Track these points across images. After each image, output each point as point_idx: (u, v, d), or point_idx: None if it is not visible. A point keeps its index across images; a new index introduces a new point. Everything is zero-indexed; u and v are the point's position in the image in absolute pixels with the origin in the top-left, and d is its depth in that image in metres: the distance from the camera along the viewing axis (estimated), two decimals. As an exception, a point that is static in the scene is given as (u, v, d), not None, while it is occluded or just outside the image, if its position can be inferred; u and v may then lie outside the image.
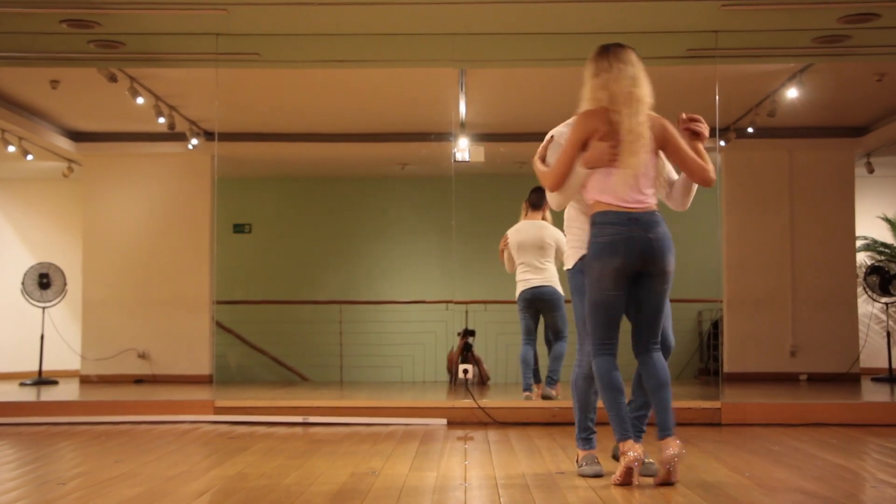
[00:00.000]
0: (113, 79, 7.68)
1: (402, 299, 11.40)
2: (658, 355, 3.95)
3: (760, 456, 4.82)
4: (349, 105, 9.27)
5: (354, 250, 12.05)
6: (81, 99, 8.97)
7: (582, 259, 4.08)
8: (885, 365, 9.95)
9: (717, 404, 6.38)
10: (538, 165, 4.09)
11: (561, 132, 4.13)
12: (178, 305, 10.29)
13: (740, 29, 6.48)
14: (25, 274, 10.17)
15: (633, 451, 3.79)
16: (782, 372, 10.08)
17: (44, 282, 10.16)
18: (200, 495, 3.74)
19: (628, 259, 3.83)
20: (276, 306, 11.39)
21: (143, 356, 10.30)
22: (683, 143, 3.94)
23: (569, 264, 4.21)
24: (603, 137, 3.85)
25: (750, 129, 9.58)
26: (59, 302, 10.28)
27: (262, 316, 11.39)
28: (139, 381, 10.11)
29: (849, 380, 9.80)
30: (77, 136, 10.30)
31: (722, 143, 9.72)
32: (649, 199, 3.90)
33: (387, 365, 11.01)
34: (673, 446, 3.76)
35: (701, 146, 3.98)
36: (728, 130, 9.77)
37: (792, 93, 8.37)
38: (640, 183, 3.87)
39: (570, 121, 4.18)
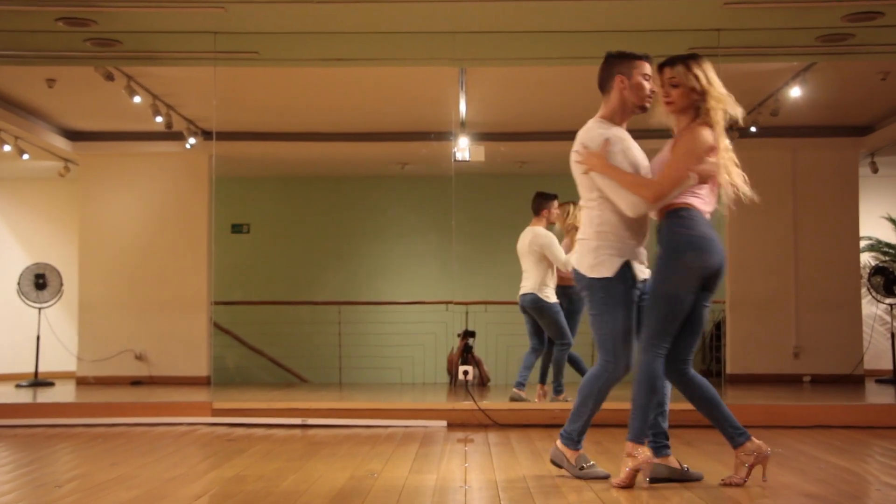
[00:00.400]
0: (110, 77, 7.68)
1: (401, 300, 11.40)
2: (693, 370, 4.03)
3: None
4: (348, 104, 9.28)
5: (354, 251, 12.05)
6: (78, 98, 8.98)
7: (623, 267, 3.98)
8: (890, 366, 9.95)
9: (719, 406, 6.37)
10: (621, 176, 3.95)
11: (608, 135, 4.02)
12: (175, 306, 10.29)
13: (743, 27, 6.48)
14: (21, 274, 10.17)
15: (643, 453, 3.79)
16: (785, 373, 10.08)
17: (40, 282, 10.16)
18: (198, 498, 3.74)
19: (715, 261, 3.92)
20: (275, 307, 11.39)
21: (140, 357, 10.30)
22: None
23: (604, 272, 3.98)
24: (712, 155, 4.00)
25: (753, 129, 9.56)
26: (55, 303, 10.28)
27: (261, 317, 11.38)
28: (136, 382, 10.11)
29: (853, 381, 9.81)
30: (73, 136, 10.31)
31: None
32: None
33: (386, 366, 11.00)
34: (761, 442, 3.96)
35: None
36: (731, 130, 9.74)
37: (795, 92, 8.37)
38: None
39: (600, 120, 4.10)
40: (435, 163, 9.97)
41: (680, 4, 6.02)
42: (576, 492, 3.83)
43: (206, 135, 9.90)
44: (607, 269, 3.97)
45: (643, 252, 4.08)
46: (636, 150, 4.08)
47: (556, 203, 7.33)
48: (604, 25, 6.45)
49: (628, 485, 3.81)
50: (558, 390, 7.20)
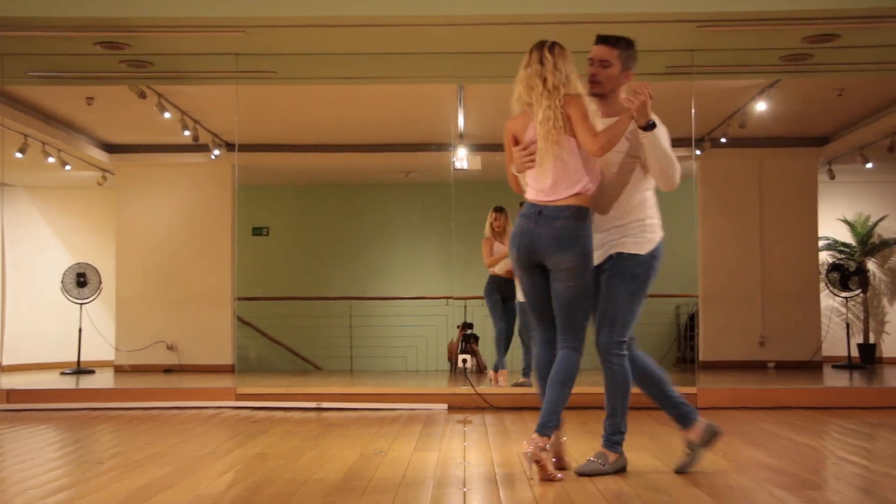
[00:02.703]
0: (142, 95, 7.69)
1: (405, 295, 11.40)
2: (564, 352, 3.56)
3: (732, 436, 4.82)
4: (357, 118, 9.28)
5: (362, 251, 12.05)
6: (114, 114, 8.98)
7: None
8: (845, 353, 9.97)
9: (693, 390, 6.39)
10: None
11: None
12: (202, 301, 10.30)
13: (714, 48, 6.49)
14: (64, 273, 10.18)
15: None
16: (752, 360, 10.09)
17: (81, 280, 10.16)
18: (224, 473, 3.75)
19: (517, 252, 3.57)
20: (292, 302, 11.39)
21: (171, 348, 10.31)
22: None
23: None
24: None
25: (723, 140, 9.59)
26: (95, 299, 10.29)
27: (279, 311, 11.39)
28: (168, 370, 10.12)
29: (812, 367, 9.81)
30: (110, 148, 10.32)
31: (697, 152, 9.73)
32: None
33: (392, 355, 11.01)
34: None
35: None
36: (703, 140, 9.77)
37: (761, 106, 8.39)
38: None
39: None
40: (436, 171, 9.98)
41: (657, 27, 6.03)
42: (566, 471, 3.83)
43: (230, 147, 9.91)
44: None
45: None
46: None
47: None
48: (586, 46, 6.43)
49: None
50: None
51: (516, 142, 3.65)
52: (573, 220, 3.48)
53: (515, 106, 3.67)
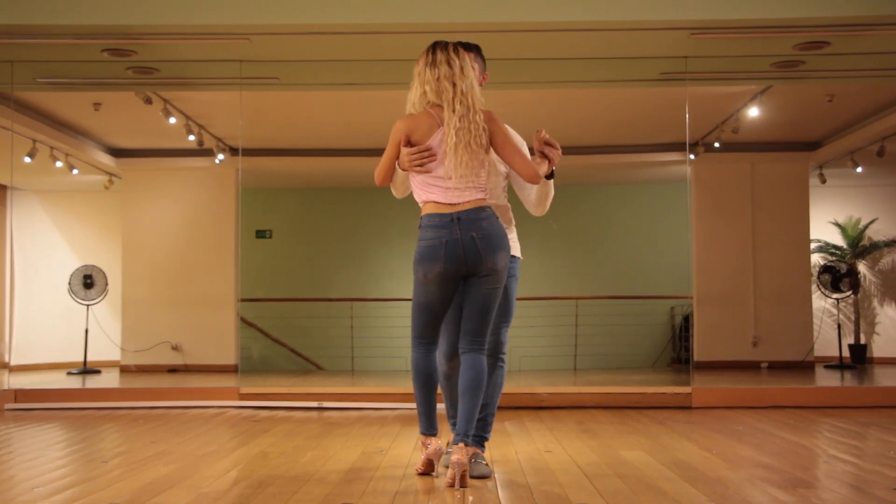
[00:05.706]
0: (148, 101, 7.69)
1: (405, 297, 11.34)
2: (475, 357, 3.42)
3: (726, 435, 4.82)
4: (359, 123, 9.28)
5: (364, 253, 12.05)
6: (121, 119, 8.98)
7: None
8: (836, 354, 9.96)
9: (688, 389, 6.39)
10: None
11: None
12: (206, 303, 10.29)
13: (708, 55, 6.49)
14: (71, 275, 10.17)
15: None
16: (746, 360, 10.09)
17: (88, 282, 10.16)
18: (228, 472, 3.74)
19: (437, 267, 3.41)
20: (294, 303, 11.39)
21: (176, 348, 10.30)
22: None
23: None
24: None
25: (716, 144, 9.59)
26: (101, 300, 10.28)
27: (282, 312, 11.39)
28: (173, 370, 10.11)
29: (804, 367, 9.81)
30: (117, 153, 10.31)
31: (691, 156, 9.73)
32: None
33: (393, 355, 11.00)
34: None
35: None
36: (697, 145, 9.77)
37: (753, 111, 8.39)
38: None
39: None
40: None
41: (652, 34, 6.03)
42: (564, 470, 3.83)
43: (233, 151, 9.91)
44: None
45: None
46: None
47: None
48: (585, 52, 6.45)
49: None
50: None
51: (409, 141, 3.56)
52: (494, 219, 3.42)
53: (413, 107, 3.58)
